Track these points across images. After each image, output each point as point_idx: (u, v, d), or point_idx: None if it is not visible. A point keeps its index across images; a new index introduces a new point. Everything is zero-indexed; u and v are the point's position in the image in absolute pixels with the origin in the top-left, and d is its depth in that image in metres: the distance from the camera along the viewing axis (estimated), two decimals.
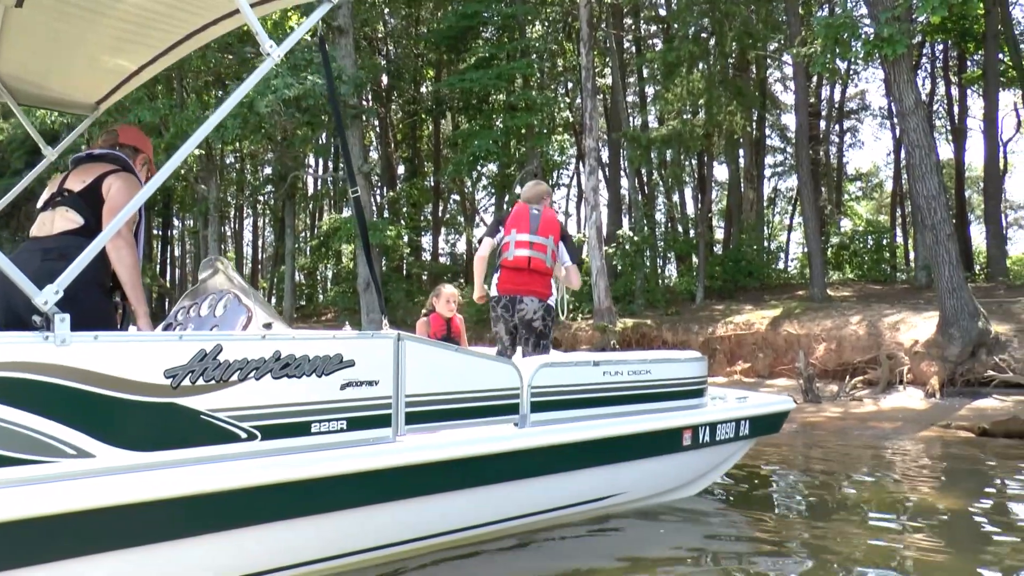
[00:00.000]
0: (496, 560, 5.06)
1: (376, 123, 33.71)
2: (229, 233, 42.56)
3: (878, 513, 6.37)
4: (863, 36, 14.13)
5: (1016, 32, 27.27)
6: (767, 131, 35.38)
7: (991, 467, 8.72)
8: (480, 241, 6.86)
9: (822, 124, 34.25)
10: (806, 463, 8.78)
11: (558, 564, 5.00)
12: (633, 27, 30.42)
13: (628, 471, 5.88)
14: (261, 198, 38.67)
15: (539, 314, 6.49)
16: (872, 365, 15.38)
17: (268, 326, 4.64)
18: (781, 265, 34.99)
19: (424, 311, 7.76)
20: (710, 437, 6.38)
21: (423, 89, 33.11)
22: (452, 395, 4.94)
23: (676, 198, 33.04)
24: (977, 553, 5.28)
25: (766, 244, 34.57)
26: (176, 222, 42.79)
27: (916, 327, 15.46)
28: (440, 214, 36.63)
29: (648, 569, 4.95)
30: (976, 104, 29.35)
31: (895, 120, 24.05)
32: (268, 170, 35.22)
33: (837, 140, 36.94)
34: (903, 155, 20.12)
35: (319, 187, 37.80)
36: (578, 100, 27.18)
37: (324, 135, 29.90)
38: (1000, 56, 25.84)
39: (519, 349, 6.69)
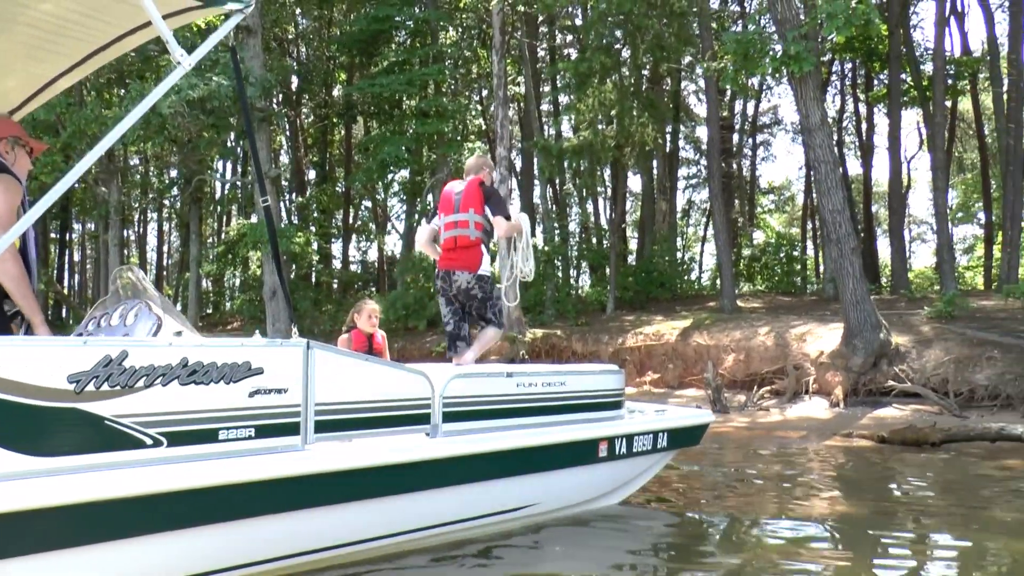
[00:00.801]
0: (407, 571, 5.13)
1: (286, 127, 33.40)
2: (132, 238, 41.57)
3: (785, 521, 6.64)
4: (771, 53, 14.61)
5: (917, 54, 28.54)
6: (681, 143, 36.18)
7: (888, 475, 9.14)
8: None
9: (735, 137, 35.18)
10: (715, 473, 9.06)
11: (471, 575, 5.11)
12: (548, 36, 30.79)
13: (543, 482, 6.01)
14: (166, 202, 37.93)
15: (472, 283, 6.77)
16: (779, 375, 15.90)
17: (178, 334, 4.67)
18: (695, 276, 35.78)
19: (345, 327, 7.69)
20: (627, 449, 6.55)
21: (335, 93, 32.93)
22: (363, 404, 5.03)
23: (590, 208, 33.53)
24: (876, 559, 5.58)
25: (679, 255, 35.31)
26: (76, 225, 41.60)
27: (822, 338, 16.03)
28: (351, 221, 36.43)
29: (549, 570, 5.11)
30: (883, 121, 30.49)
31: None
32: (175, 173, 34.56)
33: (750, 153, 37.97)
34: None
35: (226, 191, 37.23)
36: (492, 108, 27.40)
37: (232, 138, 29.47)
38: (903, 76, 26.97)
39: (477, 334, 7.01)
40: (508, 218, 6.88)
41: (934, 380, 14.22)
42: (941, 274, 23.35)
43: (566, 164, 24.86)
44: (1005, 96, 24.82)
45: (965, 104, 33.29)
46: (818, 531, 6.31)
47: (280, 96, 31.72)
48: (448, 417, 5.44)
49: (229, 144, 30.21)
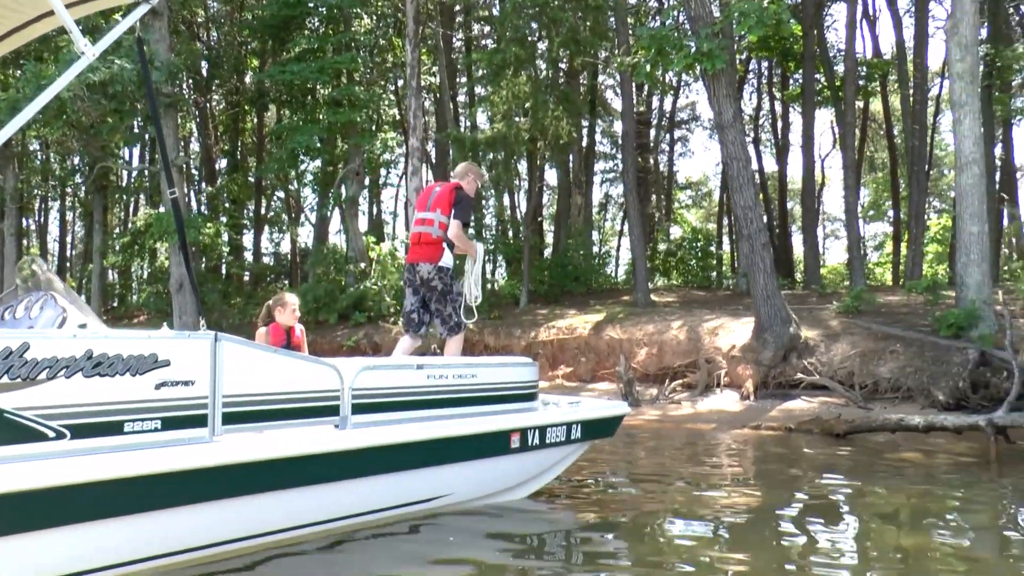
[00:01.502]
0: (316, 562, 5.23)
1: (195, 113, 32.83)
2: (33, 227, 40.36)
3: (694, 510, 6.89)
4: (684, 49, 14.92)
5: (830, 55, 29.45)
6: (598, 138, 36.61)
7: (794, 465, 9.53)
8: None
9: (653, 133, 35.75)
10: (626, 465, 9.31)
11: (378, 566, 5.21)
12: (463, 26, 30.85)
13: (454, 473, 6.16)
14: (69, 189, 36.93)
15: (433, 274, 7.35)
16: (691, 369, 16.30)
17: (83, 326, 4.69)
18: (613, 270, 36.28)
19: (262, 320, 7.60)
20: (539, 440, 6.74)
21: (246, 79, 32.47)
22: (271, 396, 5.11)
23: (507, 201, 33.71)
24: (777, 544, 5.87)
25: (596, 249, 35.75)
26: None
27: (734, 332, 16.49)
28: (263, 212, 36.01)
29: (467, 571, 5.26)
30: (799, 120, 31.35)
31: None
32: (77, 159, 33.67)
33: (668, 149, 38.62)
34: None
35: (133, 179, 36.42)
36: (407, 98, 27.32)
37: (137, 124, 28.83)
38: (817, 76, 27.80)
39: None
40: (466, 224, 7.39)
41: (841, 373, 14.75)
42: (851, 270, 24.17)
43: (481, 156, 24.91)
44: (911, 98, 25.82)
45: (877, 105, 34.36)
46: (724, 520, 6.57)
47: (190, 81, 31.13)
48: (357, 409, 5.55)
49: (135, 130, 29.55)
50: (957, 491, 7.92)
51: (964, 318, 14.00)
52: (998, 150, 29.81)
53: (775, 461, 9.82)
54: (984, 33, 27.65)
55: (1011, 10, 29.13)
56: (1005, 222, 27.97)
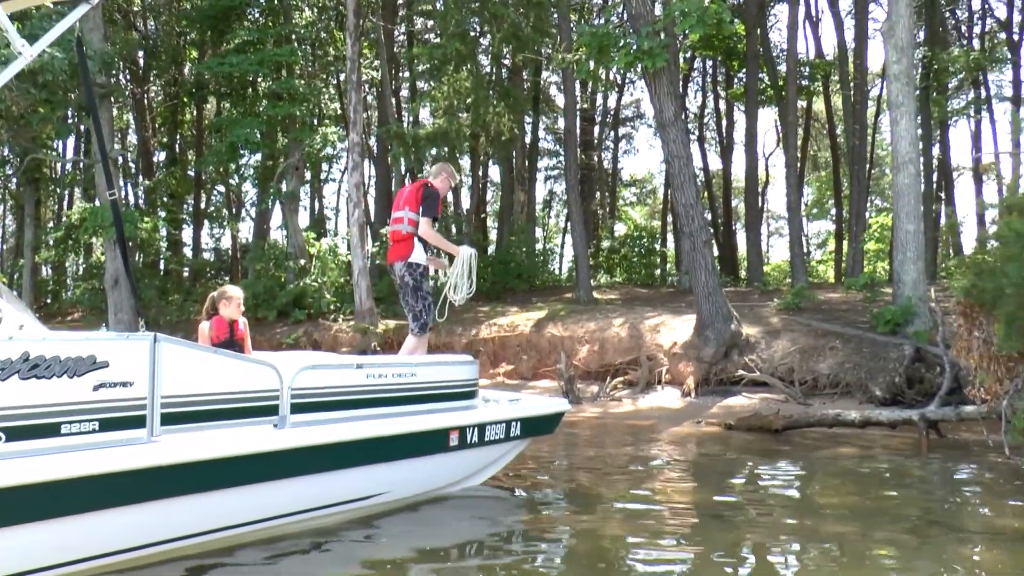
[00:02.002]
0: (257, 560, 5.33)
1: (132, 104, 32.35)
2: None
3: (632, 507, 7.08)
4: (625, 47, 15.10)
5: (773, 55, 30.00)
6: (542, 134, 36.84)
7: (732, 460, 9.80)
8: None
9: (597, 130, 36.05)
10: (567, 462, 9.48)
11: (313, 567, 5.36)
12: (405, 20, 30.81)
13: (393, 471, 6.29)
14: None
15: (403, 270, 7.67)
16: (633, 366, 16.53)
17: (22, 327, 4.72)
18: (556, 267, 36.51)
19: (205, 314, 7.57)
20: (479, 438, 6.89)
21: (185, 70, 32.05)
22: (211, 396, 5.19)
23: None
24: (715, 539, 6.07)
25: (539, 246, 35.92)
26: None
27: (676, 329, 16.76)
28: (203, 206, 35.64)
29: (404, 568, 5.39)
30: (743, 119, 31.86)
31: None
32: (7, 150, 32.92)
33: (612, 146, 38.96)
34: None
35: (67, 172, 35.76)
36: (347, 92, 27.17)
37: (71, 115, 28.29)
38: (761, 76, 28.32)
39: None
40: (434, 220, 7.65)
41: (781, 369, 15.10)
42: (792, 267, 24.63)
43: (424, 152, 24.90)
44: (852, 99, 26.42)
45: (821, 105, 35.04)
46: (662, 516, 6.76)
47: (127, 72, 30.67)
48: (296, 408, 5.65)
49: (68, 121, 29.01)
50: (890, 483, 8.24)
51: (901, 315, 14.43)
52: (936, 150, 30.64)
53: (714, 457, 10.07)
54: (921, 36, 28.46)
55: (947, 14, 29.93)
56: (943, 221, 28.72)
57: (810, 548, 5.82)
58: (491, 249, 30.71)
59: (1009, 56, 29.93)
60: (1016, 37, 29.74)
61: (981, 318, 9.41)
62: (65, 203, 38.34)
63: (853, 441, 10.95)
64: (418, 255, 7.63)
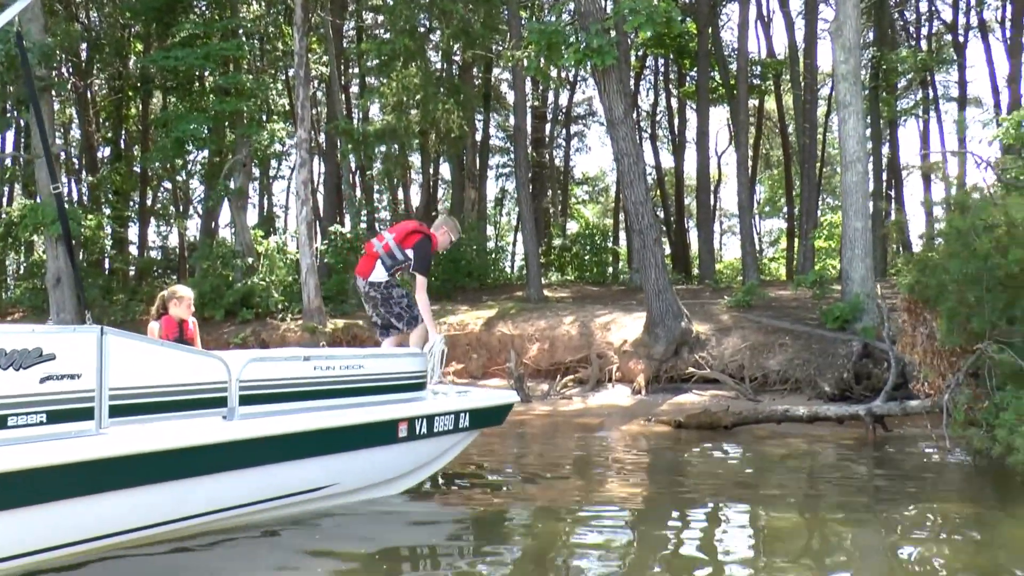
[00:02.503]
0: (207, 552, 5.44)
1: (75, 99, 31.94)
2: None
3: (584, 505, 7.19)
4: (574, 45, 15.26)
5: (725, 53, 30.46)
6: (494, 131, 36.96)
7: (681, 457, 10.01)
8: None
9: (549, 127, 36.26)
10: (516, 460, 9.62)
11: (258, 560, 5.45)
12: (354, 15, 30.78)
13: (341, 463, 6.41)
14: None
15: (366, 288, 8.03)
16: (583, 364, 16.71)
17: None
18: (508, 265, 36.64)
19: (155, 313, 7.58)
20: (427, 429, 7.04)
21: (130, 64, 31.68)
22: (159, 389, 5.28)
23: (401, 195, 33.76)
24: (663, 534, 6.25)
25: (491, 244, 36.05)
26: None
27: (626, 327, 16.98)
28: (150, 203, 35.30)
29: (356, 561, 5.51)
30: (696, 117, 32.29)
31: None
32: None
33: (564, 144, 39.20)
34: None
35: (5, 167, 35.16)
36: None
37: (8, 108, 27.83)
38: (712, 74, 28.76)
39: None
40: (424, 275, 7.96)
41: (731, 366, 15.36)
42: (744, 265, 25.04)
43: (373, 148, 24.89)
44: (803, 98, 26.94)
45: (773, 103, 35.55)
46: (609, 513, 6.92)
47: (69, 65, 30.29)
48: (245, 400, 5.75)
49: (7, 115, 28.57)
50: (837, 477, 8.52)
51: (849, 311, 14.80)
52: (885, 149, 31.31)
53: (663, 454, 10.26)
54: (871, 36, 29.08)
55: (896, 15, 30.58)
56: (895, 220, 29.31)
57: (755, 539, 6.02)
58: None
59: (955, 57, 30.72)
60: (961, 39, 30.57)
61: (925, 314, 9.72)
62: (4, 200, 37.72)
63: (802, 437, 11.17)
64: (378, 274, 7.90)
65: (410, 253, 7.84)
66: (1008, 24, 27.80)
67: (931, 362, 9.61)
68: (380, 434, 6.64)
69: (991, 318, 8.44)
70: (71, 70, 30.81)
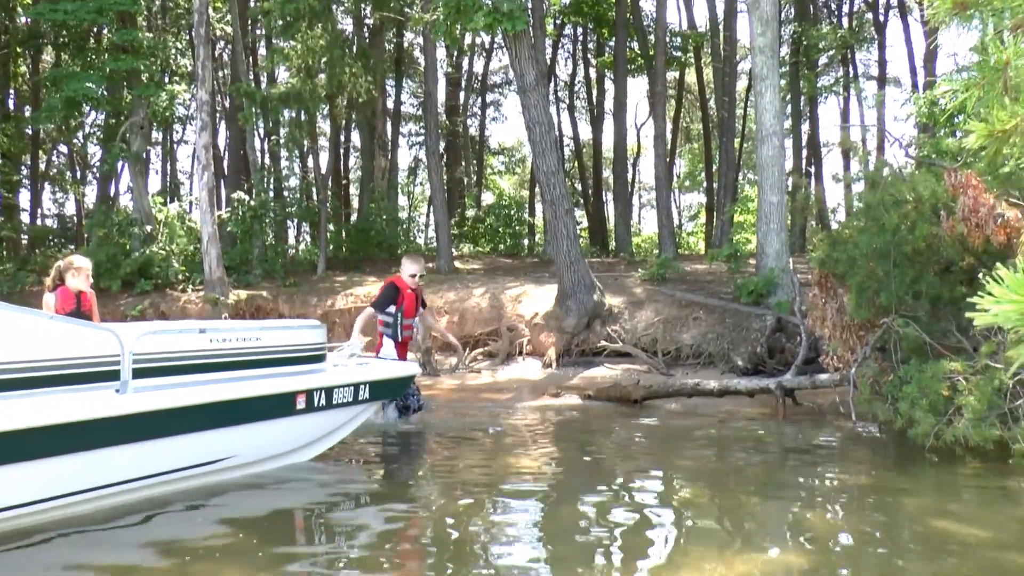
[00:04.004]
0: (101, 527, 5.46)
1: None
2: None
3: (493, 480, 7.30)
4: (484, 8, 15.22)
5: (645, 23, 30.76)
6: (407, 98, 36.81)
7: (588, 430, 10.22)
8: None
9: (463, 95, 36.21)
10: (423, 434, 9.66)
11: (154, 535, 5.48)
12: None
13: (239, 435, 6.49)
14: None
15: None
16: (493, 337, 16.89)
17: None
18: (422, 236, 36.63)
19: (50, 284, 7.52)
20: (326, 401, 7.15)
21: (20, 18, 30.63)
22: (47, 362, 5.25)
23: (311, 163, 33.41)
24: (575, 508, 6.39)
25: (403, 214, 35.98)
26: None
27: (538, 299, 17.20)
28: (44, 168, 34.36)
29: (257, 533, 5.58)
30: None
31: None
32: None
33: (479, 112, 39.22)
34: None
35: None
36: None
37: None
38: (631, 44, 29.04)
39: None
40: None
41: (644, 340, 15.66)
42: (660, 239, 25.44)
43: (278, 112, 24.52)
44: (722, 71, 27.40)
45: (693, 76, 36.04)
46: (521, 487, 7.04)
47: None
48: (139, 373, 5.75)
49: None
50: (744, 449, 8.79)
51: (763, 285, 15.17)
52: (806, 126, 32.05)
53: (573, 428, 10.43)
54: (792, 12, 29.67)
55: None
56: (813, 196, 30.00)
57: (665, 513, 6.21)
58: (354, 218, 30.54)
59: (875, 36, 31.54)
60: (882, 18, 31.38)
61: (836, 288, 10.03)
62: None
63: (712, 410, 11.42)
64: (386, 351, 9.61)
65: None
66: (926, 4, 28.52)
67: (840, 336, 9.90)
68: (278, 406, 6.72)
69: (898, 292, 8.76)
70: None
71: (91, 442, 5.42)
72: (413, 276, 9.61)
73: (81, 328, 5.61)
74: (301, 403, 6.86)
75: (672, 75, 34.52)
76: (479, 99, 38.70)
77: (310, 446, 7.29)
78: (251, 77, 28.23)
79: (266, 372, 6.68)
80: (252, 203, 23.61)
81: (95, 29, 24.97)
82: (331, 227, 26.08)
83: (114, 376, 5.68)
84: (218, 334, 6.43)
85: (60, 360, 5.35)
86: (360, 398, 7.50)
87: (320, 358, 7.25)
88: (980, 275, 2.47)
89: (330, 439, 7.52)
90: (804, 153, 31.98)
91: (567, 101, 38.55)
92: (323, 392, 7.06)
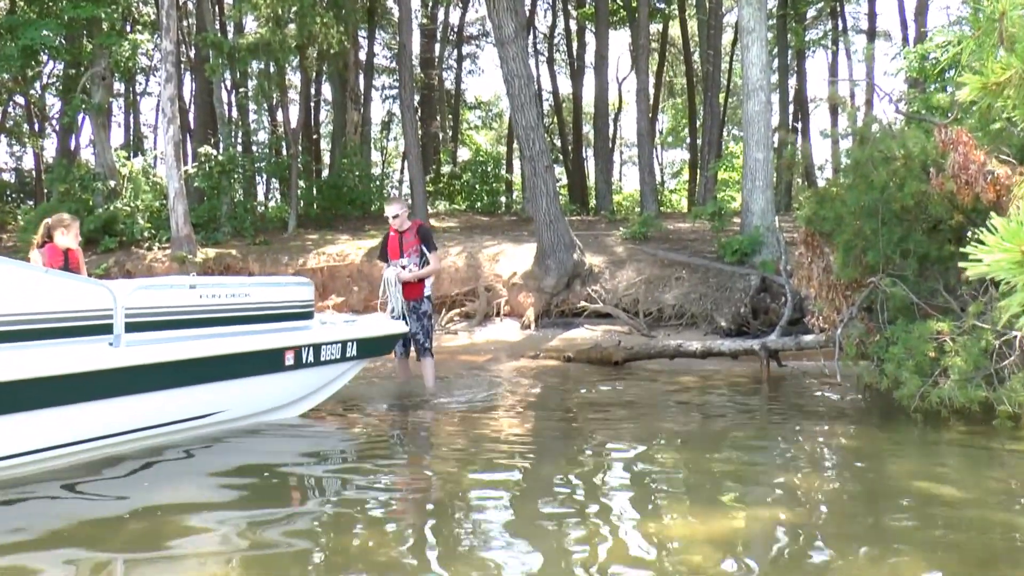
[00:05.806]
0: (93, 479, 5.73)
1: None
2: None
3: (471, 442, 7.51)
4: None
5: None
6: (380, 50, 36.68)
7: (568, 393, 10.35)
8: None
9: (439, 48, 36.10)
10: (399, 395, 9.82)
11: (143, 488, 5.73)
12: None
13: (228, 390, 6.83)
14: None
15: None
16: (470, 298, 17.09)
17: None
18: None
19: (38, 241, 7.65)
20: (314, 357, 7.50)
21: None
22: (41, 315, 5.49)
23: (281, 116, 33.30)
24: (548, 469, 6.64)
25: (377, 170, 35.95)
26: None
27: (516, 259, 17.41)
28: (0, 120, 34.12)
29: (237, 489, 5.85)
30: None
31: None
32: None
33: (455, 65, 39.13)
34: None
35: None
36: None
37: None
38: None
39: None
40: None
41: (626, 300, 15.89)
42: (642, 196, 25.62)
43: (246, 64, 24.43)
44: (708, 24, 27.52)
45: (677, 29, 36.09)
46: (496, 448, 7.25)
47: None
48: (131, 328, 6.00)
49: None
50: (727, 411, 9.05)
51: (748, 244, 15.37)
52: (793, 81, 32.25)
53: (552, 390, 10.55)
54: None
55: None
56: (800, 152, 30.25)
57: (646, 477, 6.41)
58: (326, 174, 30.55)
59: None
60: None
61: (823, 247, 10.21)
62: None
63: (695, 372, 11.59)
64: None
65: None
66: None
67: (826, 296, 10.02)
68: (267, 362, 7.06)
69: (886, 251, 8.88)
70: None
71: (85, 394, 5.74)
72: (389, 218, 9.67)
73: (75, 282, 5.89)
74: (290, 359, 7.17)
75: (655, 28, 34.59)
76: (455, 51, 38.64)
77: (299, 402, 7.63)
78: (218, 26, 28.03)
79: (255, 328, 7.00)
80: (220, 158, 23.59)
81: None
82: (302, 183, 26.09)
83: (107, 330, 5.96)
84: (208, 290, 6.74)
85: (55, 313, 5.60)
86: (348, 355, 7.83)
87: (308, 315, 7.55)
88: (969, 233, 2.64)
89: (319, 395, 7.87)
90: (791, 109, 32.19)
91: (547, 54, 38.57)
92: (311, 348, 7.38)
